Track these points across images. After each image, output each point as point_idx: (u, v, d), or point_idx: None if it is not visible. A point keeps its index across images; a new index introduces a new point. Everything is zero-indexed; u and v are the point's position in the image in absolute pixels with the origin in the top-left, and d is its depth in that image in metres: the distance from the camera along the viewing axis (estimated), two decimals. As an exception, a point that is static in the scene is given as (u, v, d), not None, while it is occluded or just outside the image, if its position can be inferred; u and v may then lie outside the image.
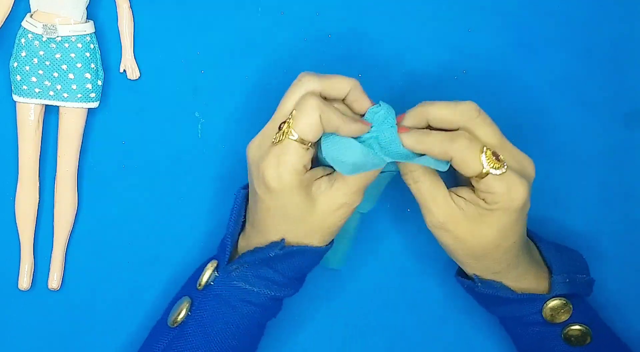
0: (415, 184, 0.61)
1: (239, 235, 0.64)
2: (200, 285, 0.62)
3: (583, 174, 0.73)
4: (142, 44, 0.69)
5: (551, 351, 0.65)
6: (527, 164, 0.61)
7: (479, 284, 0.63)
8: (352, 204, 0.61)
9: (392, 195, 0.71)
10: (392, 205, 0.72)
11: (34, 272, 0.69)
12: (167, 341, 0.62)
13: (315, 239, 0.62)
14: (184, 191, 0.70)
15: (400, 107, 0.63)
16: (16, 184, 0.68)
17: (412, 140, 0.60)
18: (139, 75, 0.69)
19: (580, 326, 0.64)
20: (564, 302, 0.63)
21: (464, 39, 0.71)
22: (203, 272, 0.62)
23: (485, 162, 0.58)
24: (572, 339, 0.64)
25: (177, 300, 0.63)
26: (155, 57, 0.69)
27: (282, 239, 0.61)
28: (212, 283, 0.62)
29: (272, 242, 0.61)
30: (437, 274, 0.72)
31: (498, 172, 0.58)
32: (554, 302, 0.63)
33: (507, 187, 0.58)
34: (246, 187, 0.64)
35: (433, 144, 0.59)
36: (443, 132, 0.60)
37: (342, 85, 0.61)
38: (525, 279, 0.64)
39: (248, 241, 0.63)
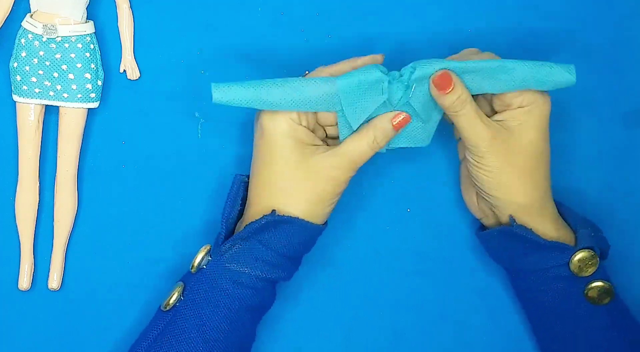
0: (457, 115, 0.63)
1: (236, 222, 0.65)
2: (193, 267, 0.63)
3: (583, 174, 0.73)
4: (142, 44, 0.69)
5: (572, 309, 0.65)
6: None
7: (514, 224, 0.64)
8: (342, 176, 0.63)
9: (393, 194, 0.72)
10: (392, 205, 0.72)
11: (34, 272, 0.69)
12: (162, 326, 0.62)
13: (305, 210, 0.63)
14: (184, 191, 0.70)
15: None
16: (16, 184, 0.68)
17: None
18: (139, 75, 0.69)
19: (603, 282, 0.64)
20: (592, 254, 0.64)
21: (464, 39, 0.71)
22: (196, 255, 0.63)
23: None
24: (592, 298, 0.64)
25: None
26: (155, 57, 0.69)
27: (273, 210, 0.62)
28: (204, 267, 0.63)
29: (263, 215, 0.62)
30: (437, 274, 0.72)
31: None
32: (582, 254, 0.64)
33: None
34: (244, 174, 0.66)
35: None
36: None
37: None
38: (554, 228, 0.65)
39: (243, 224, 0.64)
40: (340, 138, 0.64)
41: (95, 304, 0.69)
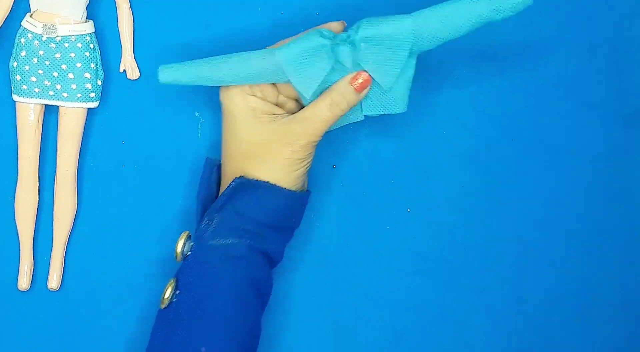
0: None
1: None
2: (177, 257, 0.63)
3: (583, 174, 0.73)
4: (142, 44, 0.69)
5: None
6: None
7: None
8: (301, 141, 0.62)
9: (393, 194, 0.72)
10: (392, 205, 0.72)
11: (33, 272, 0.69)
12: (167, 326, 0.62)
13: (271, 177, 0.63)
14: (184, 191, 0.70)
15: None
16: (16, 184, 0.67)
17: None
18: (139, 75, 0.69)
19: None
20: None
21: (465, 41, 0.71)
22: (176, 244, 0.63)
23: None
24: None
25: None
26: (155, 57, 0.69)
27: (241, 175, 0.62)
28: (189, 253, 0.63)
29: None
30: (437, 274, 0.72)
31: None
32: None
33: None
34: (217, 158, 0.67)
35: None
36: None
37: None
38: None
39: None
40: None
41: (94, 304, 0.69)
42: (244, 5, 0.70)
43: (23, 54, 0.66)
